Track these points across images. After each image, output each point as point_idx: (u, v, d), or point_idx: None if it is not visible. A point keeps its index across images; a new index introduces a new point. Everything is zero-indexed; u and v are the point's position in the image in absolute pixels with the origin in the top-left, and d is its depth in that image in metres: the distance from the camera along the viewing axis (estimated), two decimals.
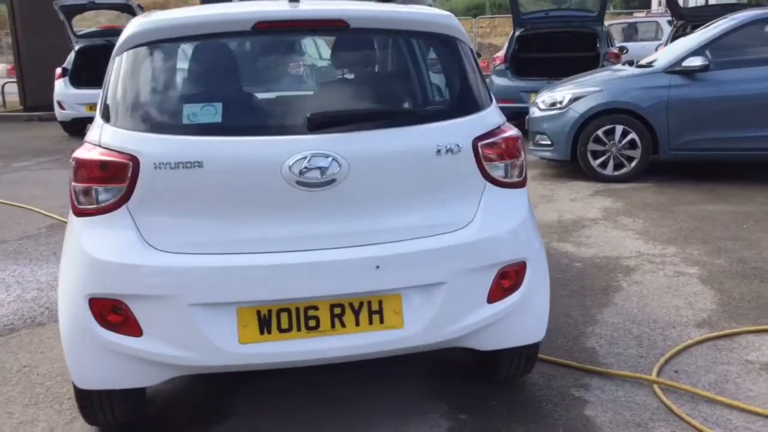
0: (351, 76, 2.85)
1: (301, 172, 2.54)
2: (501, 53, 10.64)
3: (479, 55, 12.74)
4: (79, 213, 2.61)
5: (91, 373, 2.64)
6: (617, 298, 4.32)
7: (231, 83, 2.76)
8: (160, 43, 2.69)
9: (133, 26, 2.72)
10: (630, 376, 3.34)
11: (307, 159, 2.54)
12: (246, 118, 2.70)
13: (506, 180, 2.87)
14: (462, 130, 2.76)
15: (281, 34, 2.78)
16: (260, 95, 2.75)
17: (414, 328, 2.70)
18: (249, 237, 2.60)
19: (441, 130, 2.73)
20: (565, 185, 7.45)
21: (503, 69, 10.47)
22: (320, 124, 2.60)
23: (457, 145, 2.72)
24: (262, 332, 2.60)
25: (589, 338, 3.78)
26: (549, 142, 7.69)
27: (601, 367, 3.46)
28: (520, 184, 2.93)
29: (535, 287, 2.92)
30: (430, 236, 2.72)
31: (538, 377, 3.38)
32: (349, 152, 2.59)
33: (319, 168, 2.55)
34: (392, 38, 2.91)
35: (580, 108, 7.44)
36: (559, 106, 7.61)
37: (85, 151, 2.62)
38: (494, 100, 3.01)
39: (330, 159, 2.56)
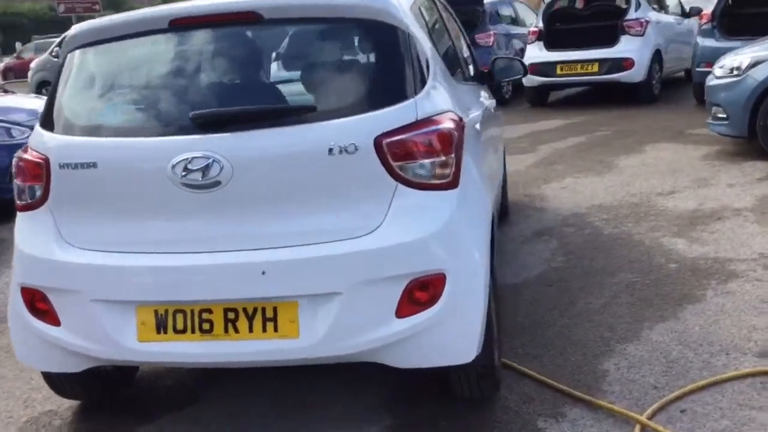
0: (253, 73, 2.71)
1: (183, 174, 2.49)
2: (708, 10, 9.32)
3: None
4: (18, 208, 2.83)
5: (28, 354, 2.87)
6: (686, 312, 3.64)
7: (130, 84, 2.78)
8: (84, 47, 2.78)
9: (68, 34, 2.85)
10: (616, 411, 2.83)
11: (188, 160, 2.49)
12: (138, 119, 2.71)
13: (425, 181, 2.56)
14: (361, 127, 2.50)
15: (197, 30, 2.72)
16: (157, 96, 2.73)
17: (310, 339, 2.54)
18: (145, 238, 2.62)
19: (334, 129, 2.50)
20: (736, 166, 6.38)
21: (710, 28, 9.18)
22: (203, 124, 2.53)
23: (353, 144, 2.48)
24: (158, 331, 2.63)
25: (612, 357, 3.26)
26: (724, 115, 6.63)
27: (600, 394, 2.97)
28: (447, 185, 2.59)
29: (460, 303, 2.58)
30: (324, 242, 2.53)
31: (515, 398, 3.01)
32: (231, 153, 2.49)
33: (201, 170, 2.48)
34: (307, 28, 2.71)
35: (760, 74, 6.30)
36: (736, 72, 6.51)
37: (22, 152, 2.82)
38: (432, 87, 2.67)
39: (210, 160, 2.48)
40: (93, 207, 2.67)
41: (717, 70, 6.79)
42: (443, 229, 2.55)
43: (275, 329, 2.56)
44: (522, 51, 11.45)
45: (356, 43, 2.70)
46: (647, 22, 10.31)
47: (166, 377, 3.46)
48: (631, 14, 10.37)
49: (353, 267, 2.51)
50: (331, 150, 2.47)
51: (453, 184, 2.60)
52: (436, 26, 3.57)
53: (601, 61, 10.31)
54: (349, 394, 3.14)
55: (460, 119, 2.75)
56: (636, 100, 10.43)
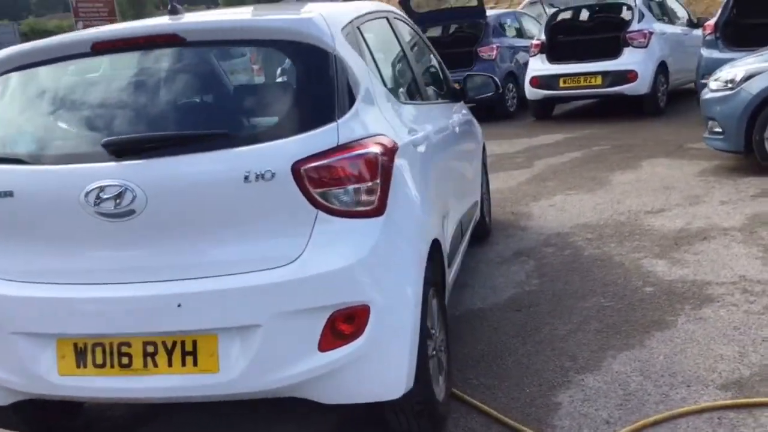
0: (172, 98, 2.62)
1: (96, 203, 2.41)
2: (711, 21, 9.11)
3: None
4: None
5: None
6: (654, 340, 3.48)
7: (49, 110, 2.71)
8: (9, 72, 2.72)
9: None
10: None
11: (101, 189, 2.40)
12: (54, 146, 2.64)
13: (348, 209, 2.45)
14: (277, 153, 2.40)
15: (119, 53, 2.65)
16: (74, 122, 2.65)
17: (231, 374, 2.44)
18: (63, 268, 2.55)
19: (250, 155, 2.40)
20: (731, 183, 6.18)
21: (713, 39, 8.97)
22: (116, 151, 2.44)
23: (270, 171, 2.38)
24: (78, 366, 2.55)
25: (569, 389, 3.11)
26: (720, 130, 6.44)
27: (549, 430, 2.83)
28: (372, 213, 2.48)
29: (386, 337, 2.47)
30: (242, 273, 2.43)
31: None
32: (145, 181, 2.41)
33: (113, 198, 2.40)
34: (229, 52, 2.62)
35: (755, 87, 6.11)
36: (731, 85, 6.32)
37: None
38: (360, 110, 2.57)
39: (123, 189, 2.39)
40: (11, 236, 2.60)
41: (712, 83, 6.60)
42: (366, 258, 2.44)
43: (194, 363, 2.47)
44: (527, 64, 11.31)
45: (278, 67, 2.61)
46: (651, 33, 10.13)
47: (116, 407, 3.37)
48: (634, 26, 10.19)
49: (272, 298, 2.41)
50: (247, 177, 2.38)
51: (378, 211, 2.49)
52: (385, 46, 3.47)
53: (605, 74, 10.14)
54: (297, 421, 3.03)
55: (392, 143, 2.64)
56: (642, 112, 10.24)
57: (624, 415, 2.88)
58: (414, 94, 3.61)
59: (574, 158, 7.96)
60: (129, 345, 2.50)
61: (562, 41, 10.82)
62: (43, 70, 2.68)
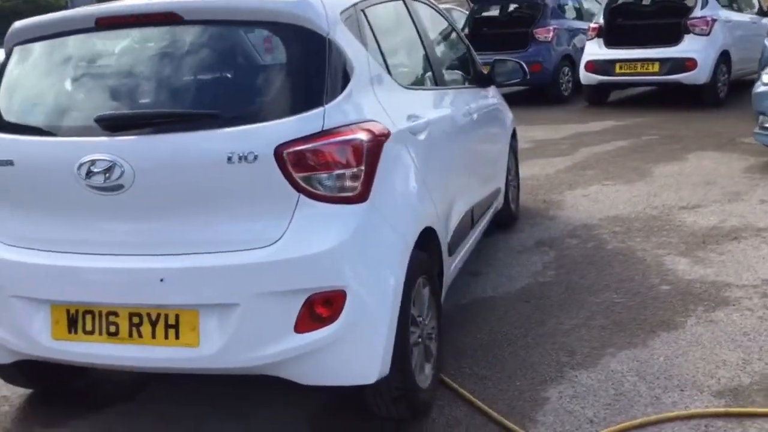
0: (166, 75, 2.65)
1: (87, 176, 2.49)
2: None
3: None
4: None
5: None
6: (658, 340, 3.41)
7: (51, 83, 2.78)
8: (22, 44, 2.81)
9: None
10: None
11: (92, 162, 2.48)
12: (53, 118, 2.71)
13: (330, 194, 2.47)
14: (261, 135, 2.42)
15: (122, 28, 2.71)
16: (73, 95, 2.72)
17: (209, 349, 2.51)
18: (58, 237, 2.64)
19: (234, 136, 2.43)
20: None
21: None
22: (108, 126, 2.51)
23: (252, 153, 2.41)
24: (70, 331, 2.65)
25: (560, 385, 3.08)
26: None
27: (531, 424, 2.82)
28: (354, 199, 2.49)
29: (361, 322, 2.49)
30: (224, 252, 2.48)
31: (442, 421, 2.91)
32: (133, 157, 2.47)
33: (103, 172, 2.47)
34: (224, 32, 2.64)
35: None
36: None
37: None
38: (351, 95, 2.58)
39: (112, 164, 2.46)
40: (12, 204, 2.71)
41: (764, 77, 6.34)
42: (345, 244, 2.45)
43: (176, 337, 2.54)
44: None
45: (271, 49, 2.62)
46: (714, 20, 9.74)
47: (119, 371, 3.49)
48: (697, 12, 9.81)
49: (251, 279, 2.45)
50: (230, 158, 2.41)
51: (361, 197, 2.50)
52: (395, 30, 3.44)
53: (662, 61, 9.81)
54: (282, 403, 3.08)
55: (383, 130, 2.63)
56: (701, 103, 9.90)
57: (610, 415, 2.84)
58: (425, 79, 3.58)
59: (620, 147, 7.76)
60: (117, 314, 2.59)
61: (620, 25, 10.51)
62: (52, 43, 2.76)
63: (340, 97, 2.56)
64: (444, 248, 3.21)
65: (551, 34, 11.08)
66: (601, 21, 10.49)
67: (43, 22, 2.77)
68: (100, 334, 2.61)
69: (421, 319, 2.90)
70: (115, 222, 2.56)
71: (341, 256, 2.45)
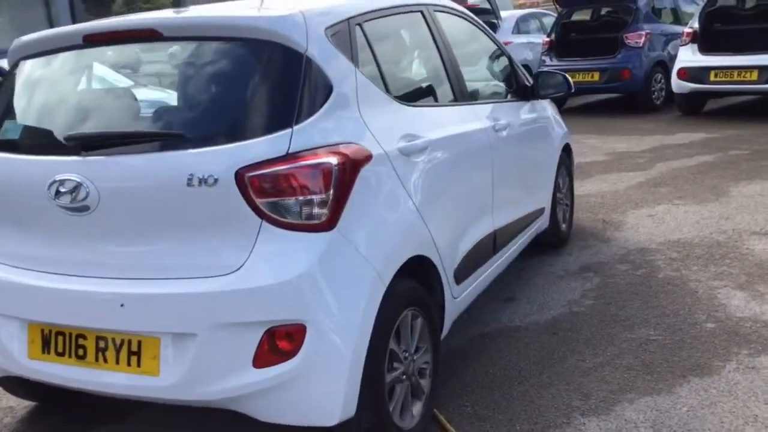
0: (138, 94, 2.57)
1: (56, 195, 2.45)
2: None
3: None
4: None
5: None
6: (686, 387, 3.07)
7: (33, 101, 2.76)
8: (18, 60, 2.82)
9: None
10: None
11: (61, 182, 2.44)
12: (30, 136, 2.69)
13: (294, 221, 2.33)
14: (222, 158, 2.31)
15: (108, 45, 2.66)
16: (51, 113, 2.68)
17: (169, 380, 2.43)
18: (34, 255, 2.63)
19: (195, 158, 2.33)
20: None
21: None
22: (76, 146, 2.47)
23: (212, 176, 2.30)
24: (43, 351, 2.63)
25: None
26: None
27: None
28: (320, 227, 2.34)
29: (322, 360, 2.34)
30: (183, 278, 2.39)
31: None
32: (98, 178, 2.42)
33: (69, 192, 2.43)
34: (201, 49, 2.53)
35: None
36: None
37: None
38: (326, 117, 2.43)
39: (77, 184, 2.42)
40: None
41: None
42: (306, 275, 2.31)
43: (138, 364, 2.47)
44: None
45: (244, 67, 2.49)
46: None
47: None
48: None
49: (208, 308, 2.35)
50: (190, 181, 2.32)
51: (328, 225, 2.35)
52: (403, 44, 3.26)
53: (762, 69, 9.09)
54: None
55: (361, 153, 2.47)
56: None
57: None
58: (439, 95, 3.37)
59: (703, 162, 7.23)
60: (85, 338, 2.55)
61: (717, 30, 9.83)
62: (43, 60, 2.76)
63: (312, 118, 2.41)
64: (446, 277, 3.00)
65: (643, 39, 10.51)
66: (696, 26, 9.85)
67: (35, 40, 2.77)
68: (70, 356, 2.58)
69: (407, 354, 2.72)
70: (83, 243, 2.52)
71: (301, 287, 2.31)
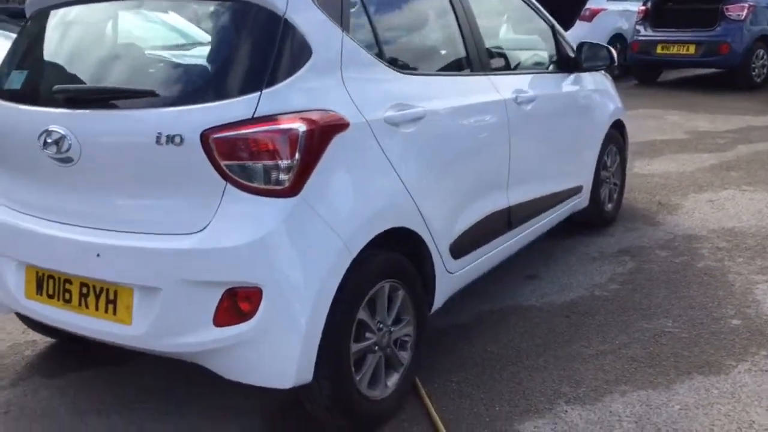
0: (123, 51, 2.59)
1: (44, 146, 2.55)
2: None
3: None
4: None
5: None
6: (687, 385, 2.91)
7: (38, 52, 2.84)
8: (36, 12, 2.92)
9: None
10: None
11: (48, 133, 2.53)
12: (28, 86, 2.77)
13: (257, 185, 2.33)
14: (189, 118, 2.33)
15: (92, 2, 2.72)
16: (47, 65, 2.76)
17: (139, 329, 2.50)
18: (32, 202, 2.75)
19: (162, 117, 2.36)
20: None
21: None
22: (62, 99, 2.55)
23: (179, 136, 2.32)
24: (37, 292, 2.77)
25: (540, 419, 2.74)
26: None
27: None
28: (282, 193, 2.33)
29: (277, 324, 2.35)
30: (152, 234, 2.44)
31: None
32: (79, 131, 2.50)
33: (54, 143, 2.52)
34: (184, 8, 2.53)
35: None
36: None
37: None
38: (300, 81, 2.40)
39: (61, 136, 2.50)
40: (2, 167, 2.85)
41: None
42: (264, 239, 2.31)
43: (114, 312, 2.56)
44: None
45: (220, 28, 2.48)
46: None
47: None
48: None
49: (173, 265, 2.40)
50: (158, 139, 2.35)
51: (290, 192, 2.33)
52: (412, 9, 3.15)
53: None
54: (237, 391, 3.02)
55: (335, 120, 2.43)
56: None
57: None
58: (446, 64, 3.26)
59: None
60: (71, 283, 2.65)
61: None
62: (44, 14, 2.85)
63: (285, 82, 2.39)
64: (438, 251, 2.94)
65: (745, 11, 9.81)
66: None
67: None
68: (58, 299, 2.69)
69: (381, 325, 2.69)
70: (69, 193, 2.61)
71: (259, 251, 2.32)
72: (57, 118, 2.54)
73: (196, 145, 2.32)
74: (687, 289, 3.80)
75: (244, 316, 2.36)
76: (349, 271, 2.47)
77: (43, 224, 2.70)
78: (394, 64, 2.86)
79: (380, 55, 2.79)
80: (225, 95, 2.35)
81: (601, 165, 4.56)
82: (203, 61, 2.47)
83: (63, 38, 2.81)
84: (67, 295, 2.67)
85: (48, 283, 2.72)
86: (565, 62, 4.13)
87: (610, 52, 4.09)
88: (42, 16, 2.90)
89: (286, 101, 2.38)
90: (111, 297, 2.56)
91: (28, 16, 2.98)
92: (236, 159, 2.32)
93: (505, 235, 3.52)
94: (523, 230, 3.70)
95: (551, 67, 4.13)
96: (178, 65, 2.54)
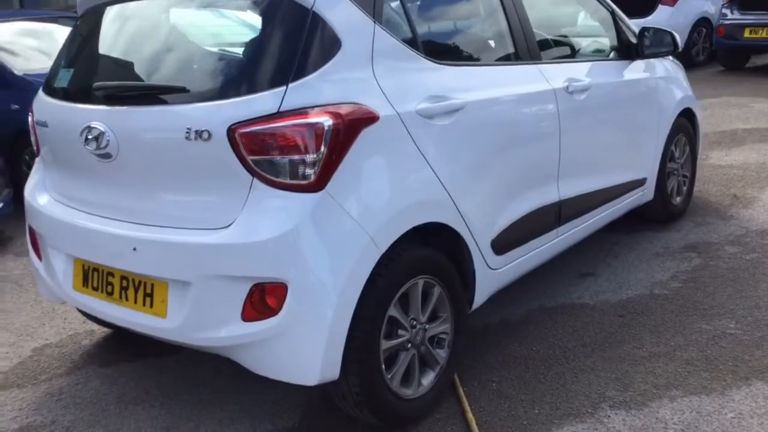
0: (153, 49, 2.59)
1: (86, 142, 2.62)
2: None
3: None
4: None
5: (36, 282, 3.29)
6: (744, 391, 2.74)
7: (83, 51, 2.90)
8: (88, 10, 3.00)
9: None
10: None
11: (88, 129, 2.60)
12: (74, 84, 2.84)
13: (283, 180, 2.32)
14: (216, 113, 2.34)
15: (131, 2, 2.76)
16: (90, 64, 2.80)
17: (173, 323, 2.55)
18: (79, 196, 2.84)
19: (191, 113, 2.38)
20: None
21: None
22: (101, 96, 2.60)
23: (207, 131, 2.33)
24: (84, 285, 2.85)
25: (581, 423, 2.63)
26: None
27: None
28: (308, 187, 2.31)
29: (301, 320, 2.34)
30: (183, 228, 2.47)
31: None
32: (117, 127, 2.55)
33: (95, 139, 2.58)
34: (216, 3, 2.53)
35: None
36: None
37: None
38: (327, 75, 2.37)
39: (101, 132, 2.56)
40: (53, 162, 2.95)
41: None
42: (288, 234, 2.30)
43: (151, 305, 2.61)
44: None
45: (247, 22, 2.48)
46: None
47: None
48: None
49: (202, 259, 2.42)
50: (188, 135, 2.37)
51: (316, 186, 2.31)
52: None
53: None
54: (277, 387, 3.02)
55: (364, 113, 2.39)
56: None
57: None
58: (490, 53, 3.15)
59: None
60: (113, 276, 2.72)
61: None
62: (91, 14, 2.92)
63: (312, 75, 2.36)
64: (478, 247, 2.86)
65: None
66: None
67: None
68: (102, 291, 2.77)
69: (415, 322, 2.64)
70: (111, 188, 2.68)
71: (283, 247, 2.30)
72: (97, 115, 2.60)
73: (223, 141, 2.33)
74: (754, 289, 3.58)
75: (271, 312, 2.36)
76: (378, 266, 2.43)
77: (88, 218, 2.77)
78: (432, 54, 2.78)
79: (416, 46, 2.73)
80: (251, 89, 2.35)
81: (668, 156, 4.34)
82: (231, 56, 2.48)
83: (105, 37, 2.87)
84: (109, 288, 2.74)
85: (93, 276, 2.80)
86: (626, 49, 3.94)
87: (673, 37, 3.88)
88: (90, 16, 2.97)
89: (313, 95, 2.35)
90: (148, 290, 2.61)
91: (80, 14, 3.06)
92: (262, 154, 2.31)
93: (555, 231, 3.40)
94: (575, 225, 3.56)
95: (612, 55, 3.96)
96: (207, 60, 2.56)
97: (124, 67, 2.73)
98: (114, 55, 2.82)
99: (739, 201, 4.87)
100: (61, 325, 3.78)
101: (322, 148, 2.30)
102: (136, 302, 2.65)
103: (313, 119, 2.30)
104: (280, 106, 2.31)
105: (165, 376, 3.20)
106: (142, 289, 2.63)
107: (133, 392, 3.10)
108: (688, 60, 10.71)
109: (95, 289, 2.79)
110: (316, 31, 2.40)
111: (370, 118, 2.42)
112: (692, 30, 10.79)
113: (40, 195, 3.03)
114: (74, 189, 2.85)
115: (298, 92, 2.33)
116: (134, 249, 2.56)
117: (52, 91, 2.93)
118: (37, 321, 3.85)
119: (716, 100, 8.42)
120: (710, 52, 11.04)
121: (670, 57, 4.41)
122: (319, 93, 2.37)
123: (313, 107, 2.33)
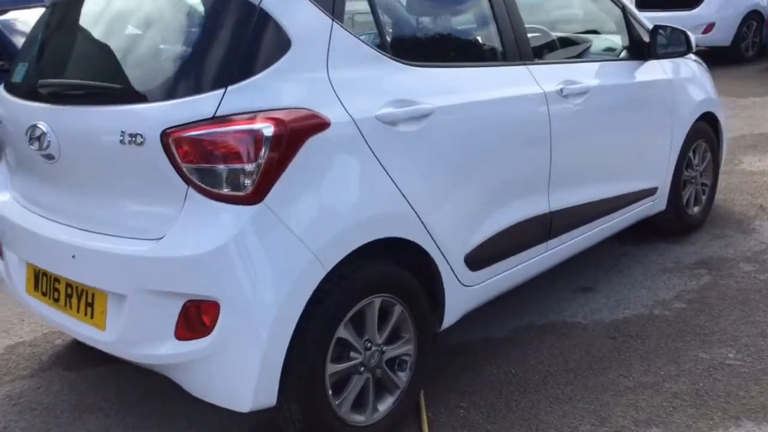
0: (108, 45, 2.42)
1: (30, 141, 2.49)
2: None
3: None
4: None
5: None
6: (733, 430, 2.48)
7: (39, 45, 2.76)
8: (57, 3, 2.87)
9: None
10: None
11: (33, 128, 2.47)
12: (27, 80, 2.70)
13: (217, 190, 2.15)
14: (150, 116, 2.18)
15: None
16: (41, 59, 2.66)
17: (111, 335, 2.42)
18: (31, 197, 2.73)
19: (126, 114, 2.23)
20: None
21: None
22: (48, 94, 2.49)
23: (140, 135, 2.18)
24: (35, 288, 2.74)
25: None
26: None
27: None
28: (244, 199, 2.14)
29: (235, 342, 2.18)
30: (120, 237, 2.33)
31: None
32: (59, 127, 2.43)
33: (37, 139, 2.45)
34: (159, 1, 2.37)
35: None
36: None
37: None
38: (274, 77, 2.19)
39: (42, 132, 2.43)
40: (12, 161, 2.83)
41: None
42: (219, 251, 2.13)
43: (91, 316, 2.48)
44: None
45: (189, 20, 2.30)
46: None
47: None
48: None
49: (135, 272, 2.28)
50: (122, 138, 2.22)
51: (253, 198, 2.13)
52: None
53: None
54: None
55: (310, 119, 2.20)
56: None
57: None
58: (473, 54, 2.92)
59: None
60: (59, 282, 2.60)
61: None
62: (62, 6, 2.79)
63: (255, 78, 2.18)
64: (448, 263, 2.65)
65: None
66: None
67: None
68: (49, 297, 2.66)
69: (370, 344, 2.45)
70: (56, 190, 2.56)
71: (215, 263, 2.14)
72: (41, 114, 2.48)
73: (156, 146, 2.17)
74: (764, 314, 3.29)
75: (204, 331, 2.20)
76: (324, 284, 2.25)
77: (36, 221, 2.66)
78: (401, 54, 2.57)
79: (383, 46, 2.53)
80: (189, 91, 2.18)
81: (683, 163, 4.05)
82: (169, 56, 2.31)
83: (59, 31, 2.75)
84: (56, 294, 2.62)
85: (42, 281, 2.69)
86: (637, 49, 3.67)
87: (687, 37, 3.59)
88: (57, 8, 2.84)
89: (255, 98, 2.17)
90: (89, 300, 2.48)
91: (47, 6, 2.94)
92: (197, 161, 2.15)
93: (545, 244, 3.16)
94: (570, 238, 3.31)
95: (623, 54, 3.68)
96: (145, 59, 2.39)
97: (71, 64, 2.59)
98: (63, 50, 2.69)
99: (765, 212, 4.54)
100: (38, 322, 3.70)
101: (261, 157, 2.13)
102: (78, 311, 2.52)
103: (251, 125, 2.13)
104: (216, 110, 2.13)
105: (127, 383, 3.08)
106: (84, 298, 2.50)
107: (91, 399, 2.98)
108: (737, 55, 10.22)
109: (44, 294, 2.68)
110: (263, 30, 2.22)
111: (318, 125, 2.24)
112: (741, 23, 10.26)
113: (2, 193, 2.93)
114: (28, 189, 2.75)
115: (238, 95, 2.16)
116: (73, 256, 2.43)
117: (9, 87, 2.82)
118: (17, 317, 3.77)
119: (761, 99, 7.98)
120: (760, 47, 10.51)
121: (693, 56, 4.11)
122: (263, 97, 2.19)
123: (253, 112, 2.15)
